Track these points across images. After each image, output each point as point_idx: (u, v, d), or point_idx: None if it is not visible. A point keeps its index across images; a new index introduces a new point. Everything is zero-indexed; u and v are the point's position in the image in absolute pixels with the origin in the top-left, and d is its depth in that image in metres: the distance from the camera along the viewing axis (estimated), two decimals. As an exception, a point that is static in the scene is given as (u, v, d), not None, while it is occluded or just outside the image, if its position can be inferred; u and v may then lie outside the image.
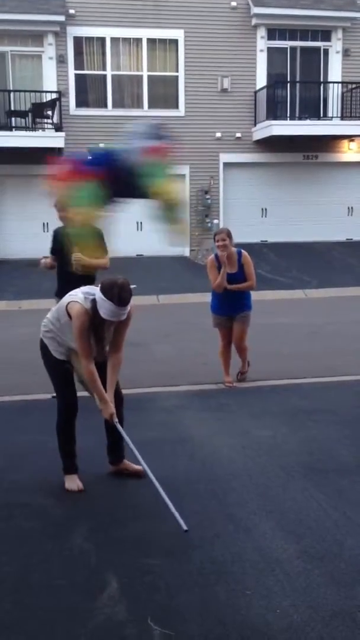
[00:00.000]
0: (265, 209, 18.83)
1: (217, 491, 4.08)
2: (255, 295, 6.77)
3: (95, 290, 3.89)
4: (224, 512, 3.79)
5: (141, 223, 17.65)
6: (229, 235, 6.44)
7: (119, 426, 4.05)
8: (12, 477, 4.35)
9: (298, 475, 4.31)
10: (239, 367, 6.78)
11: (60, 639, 2.67)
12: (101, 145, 3.45)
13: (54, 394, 6.05)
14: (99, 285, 3.85)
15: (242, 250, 6.55)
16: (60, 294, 5.90)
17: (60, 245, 5.83)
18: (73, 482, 4.12)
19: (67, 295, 4.06)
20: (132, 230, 17.02)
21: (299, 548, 3.35)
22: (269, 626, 2.72)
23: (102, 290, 3.77)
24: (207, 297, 6.75)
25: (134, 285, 3.86)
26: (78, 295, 3.93)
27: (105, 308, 3.76)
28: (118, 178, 3.42)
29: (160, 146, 3.53)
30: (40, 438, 4.92)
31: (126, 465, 4.34)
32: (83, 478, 4.18)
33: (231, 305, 6.52)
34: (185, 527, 3.48)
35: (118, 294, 3.72)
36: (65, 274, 5.80)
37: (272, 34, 18.33)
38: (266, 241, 18.35)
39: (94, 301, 3.83)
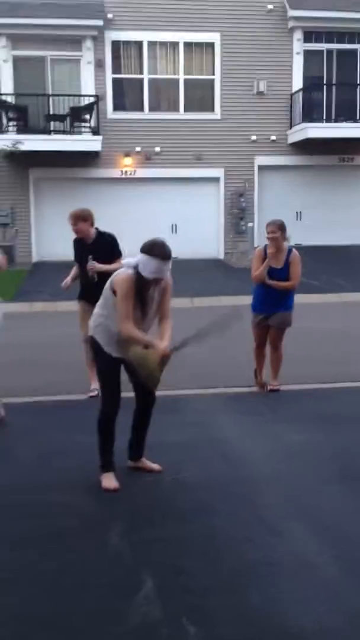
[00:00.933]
0: (300, 212, 18.73)
1: (249, 494, 4.10)
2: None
3: (132, 260, 4.07)
4: (256, 515, 3.81)
5: (176, 226, 17.76)
6: (280, 227, 6.18)
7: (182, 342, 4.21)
8: (47, 476, 4.43)
9: (332, 480, 4.31)
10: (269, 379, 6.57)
11: (97, 637, 2.72)
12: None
13: (91, 393, 6.20)
14: (140, 249, 4.04)
15: (294, 249, 6.33)
16: (82, 297, 6.39)
17: (79, 255, 6.34)
18: (110, 481, 4.19)
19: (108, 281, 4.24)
20: (167, 233, 17.11)
21: (334, 553, 3.35)
22: (303, 631, 2.73)
23: (145, 251, 3.99)
24: (241, 300, 6.74)
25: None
26: (120, 270, 4.15)
27: (150, 266, 3.96)
28: None
29: None
30: (76, 437, 5.00)
31: (144, 463, 4.45)
32: (119, 477, 4.24)
33: (270, 304, 6.31)
34: None
35: (161, 249, 3.99)
36: (82, 280, 6.29)
37: (308, 36, 18.26)
38: (300, 244, 18.22)
39: (135, 269, 4.01)
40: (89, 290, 6.11)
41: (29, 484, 4.32)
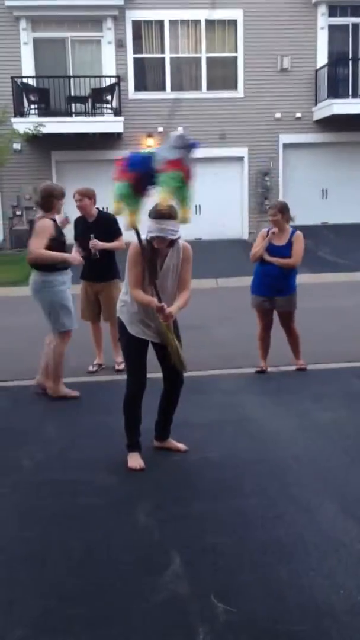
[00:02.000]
0: (326, 190, 18.50)
1: (277, 472, 4.08)
2: (314, 278, 6.67)
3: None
4: (285, 493, 3.79)
5: (200, 207, 17.65)
6: (281, 209, 6.15)
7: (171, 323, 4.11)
8: (76, 455, 4.45)
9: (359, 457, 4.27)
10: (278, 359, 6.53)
11: (125, 613, 2.73)
12: (144, 150, 3.87)
13: (118, 367, 6.25)
14: None
15: (298, 231, 6.25)
16: (82, 276, 6.59)
17: (80, 233, 6.47)
18: (135, 461, 4.19)
19: None
20: (192, 214, 17.03)
21: (362, 530, 3.32)
22: (332, 606, 2.72)
23: (148, 213, 3.97)
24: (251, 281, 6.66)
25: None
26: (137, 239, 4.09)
27: (148, 227, 3.96)
28: (141, 181, 3.84)
29: (179, 160, 3.91)
30: (104, 418, 5.01)
31: (170, 443, 4.45)
32: (146, 457, 4.25)
33: (271, 286, 6.21)
34: None
35: (155, 210, 3.92)
36: (84, 259, 6.29)
37: (333, 10, 17.91)
38: (327, 223, 18.06)
39: (146, 239, 4.00)
40: (93, 268, 6.41)
41: (57, 463, 4.35)
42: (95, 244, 6.31)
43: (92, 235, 6.33)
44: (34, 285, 5.68)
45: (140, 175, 3.83)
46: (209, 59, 18.03)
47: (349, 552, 3.13)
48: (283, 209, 6.18)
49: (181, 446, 4.42)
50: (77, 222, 6.65)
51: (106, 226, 6.42)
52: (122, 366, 6.27)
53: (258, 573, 2.99)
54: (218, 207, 17.79)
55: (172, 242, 4.05)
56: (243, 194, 18.42)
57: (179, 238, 4.07)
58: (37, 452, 4.52)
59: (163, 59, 17.98)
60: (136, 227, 3.94)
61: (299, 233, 6.26)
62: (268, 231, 6.29)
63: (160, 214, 3.92)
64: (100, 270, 6.47)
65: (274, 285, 6.22)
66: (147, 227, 3.98)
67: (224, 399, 5.65)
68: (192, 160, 4.02)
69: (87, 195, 6.42)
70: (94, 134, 16.84)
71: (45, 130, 15.79)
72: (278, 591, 2.84)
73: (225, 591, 2.84)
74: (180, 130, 4.21)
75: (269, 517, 3.51)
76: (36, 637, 2.60)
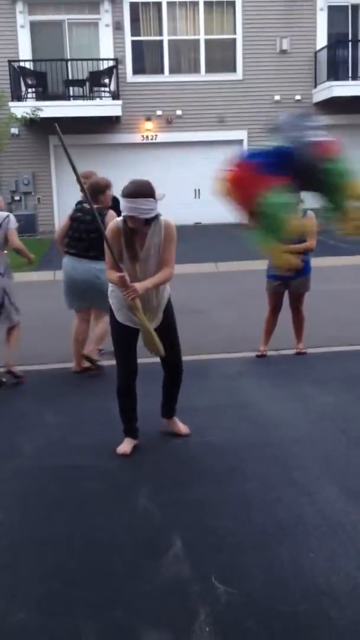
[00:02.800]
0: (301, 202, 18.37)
1: (279, 455, 4.09)
2: (316, 262, 6.62)
3: None
4: (286, 476, 3.81)
5: (199, 190, 17.57)
6: None
7: (137, 303, 3.92)
8: (78, 440, 4.47)
9: (361, 441, 4.28)
10: (293, 342, 6.52)
11: (127, 595, 2.76)
12: (263, 143, 3.56)
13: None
14: None
15: (309, 211, 6.04)
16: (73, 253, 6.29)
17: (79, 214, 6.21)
18: (124, 446, 4.22)
19: None
20: (190, 198, 16.97)
21: (362, 512, 3.34)
22: (332, 587, 2.74)
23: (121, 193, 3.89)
24: (265, 264, 6.64)
25: (163, 194, 3.91)
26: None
27: (122, 206, 3.86)
28: (302, 177, 3.33)
29: (330, 142, 3.42)
30: (105, 403, 5.01)
31: (174, 423, 4.47)
32: (147, 441, 4.27)
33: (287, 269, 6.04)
34: None
35: (127, 188, 3.83)
36: (76, 240, 6.05)
37: (333, -9, 17.74)
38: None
39: (124, 217, 3.93)
40: (78, 243, 6.20)
41: (59, 448, 4.36)
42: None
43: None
44: (95, 272, 5.71)
45: (297, 173, 3.30)
46: (207, 41, 17.89)
47: (349, 534, 3.15)
48: None
49: (183, 429, 4.43)
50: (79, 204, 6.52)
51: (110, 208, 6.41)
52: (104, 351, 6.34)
53: (258, 555, 3.01)
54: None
55: (150, 221, 3.91)
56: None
57: (156, 216, 3.92)
58: (38, 437, 4.54)
59: (161, 42, 17.83)
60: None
61: (310, 213, 6.07)
62: None
63: (132, 192, 3.81)
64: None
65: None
66: (121, 207, 3.89)
67: (225, 382, 5.65)
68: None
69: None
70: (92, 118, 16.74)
71: (43, 114, 15.69)
72: (278, 573, 2.86)
73: (226, 573, 2.86)
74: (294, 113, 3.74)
75: (270, 500, 3.53)
76: (39, 620, 2.63)
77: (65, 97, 17.02)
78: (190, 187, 17.36)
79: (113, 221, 4.06)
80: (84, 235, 5.82)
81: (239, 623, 2.55)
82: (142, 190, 3.83)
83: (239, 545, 3.09)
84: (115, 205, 6.41)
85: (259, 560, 2.97)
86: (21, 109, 15.86)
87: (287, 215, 3.38)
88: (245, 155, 3.49)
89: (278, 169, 3.28)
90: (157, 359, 4.32)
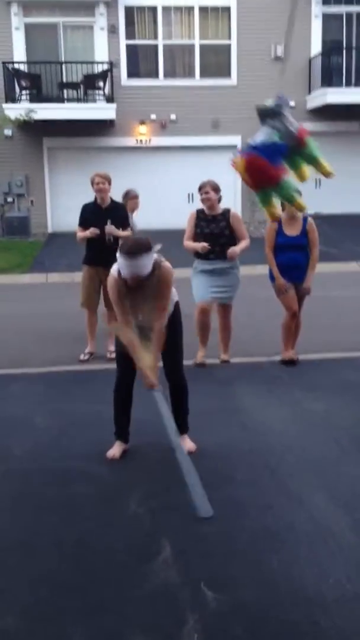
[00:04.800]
0: (320, 180, 18.43)
1: (270, 462, 4.09)
2: (308, 269, 6.62)
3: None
4: (276, 483, 3.80)
5: (192, 195, 17.57)
6: (214, 188, 6.14)
7: (157, 396, 3.96)
8: (69, 445, 4.45)
9: (352, 448, 4.28)
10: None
11: (117, 600, 2.74)
12: (261, 137, 3.93)
13: (110, 356, 6.36)
14: None
15: (310, 217, 6.21)
16: (90, 262, 6.62)
17: (93, 219, 6.50)
18: (113, 449, 4.20)
19: None
20: (184, 203, 16.97)
21: (352, 520, 3.34)
22: (322, 595, 2.73)
23: (118, 249, 3.84)
24: (257, 269, 6.66)
25: (159, 245, 3.90)
26: (114, 267, 3.99)
27: (121, 265, 3.81)
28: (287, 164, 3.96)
29: (303, 129, 4.03)
30: (97, 407, 5.00)
31: (183, 439, 4.30)
32: (137, 446, 4.26)
33: (293, 274, 6.20)
34: (207, 514, 3.24)
35: (127, 246, 3.79)
36: (93, 244, 6.50)
37: (327, -1, 17.81)
38: (320, 212, 18.03)
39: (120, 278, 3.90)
40: (101, 253, 6.38)
41: (49, 452, 4.34)
42: (112, 230, 6.43)
43: (109, 221, 6.45)
44: None
45: (285, 164, 3.89)
46: (202, 46, 17.91)
47: (339, 542, 3.14)
48: (216, 188, 6.17)
49: (189, 446, 4.25)
50: (88, 208, 6.66)
51: (120, 214, 6.61)
52: (114, 355, 6.41)
53: (248, 562, 3.00)
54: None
55: (150, 274, 3.87)
56: (236, 183, 18.28)
57: (154, 269, 3.87)
58: (28, 441, 4.52)
59: (156, 46, 17.84)
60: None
61: (311, 221, 6.24)
62: (279, 222, 6.11)
63: (131, 251, 3.73)
64: (108, 256, 6.46)
65: (295, 274, 6.23)
66: (119, 263, 3.83)
67: (217, 388, 5.65)
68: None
69: (108, 180, 6.53)
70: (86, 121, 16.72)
71: (36, 116, 15.65)
72: (268, 579, 2.86)
73: (215, 579, 2.85)
74: (281, 96, 4.20)
75: (260, 506, 3.52)
76: (27, 626, 2.61)
77: (60, 99, 16.99)
78: (183, 192, 17.35)
79: (112, 278, 3.95)
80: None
81: (227, 630, 2.54)
82: (142, 248, 3.76)
83: (229, 552, 3.09)
84: (114, 209, 6.56)
85: (248, 566, 2.96)
86: (15, 110, 15.82)
87: (295, 197, 4.17)
88: (254, 147, 3.90)
89: (279, 160, 3.84)
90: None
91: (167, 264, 4.00)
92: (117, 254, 3.81)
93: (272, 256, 6.23)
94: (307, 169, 4.07)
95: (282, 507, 3.50)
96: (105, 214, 6.53)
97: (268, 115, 4.02)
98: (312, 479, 3.84)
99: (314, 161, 4.08)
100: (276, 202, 4.28)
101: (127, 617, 2.64)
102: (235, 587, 2.81)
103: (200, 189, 6.23)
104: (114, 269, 3.97)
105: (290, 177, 4.02)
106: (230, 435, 4.54)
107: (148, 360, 3.96)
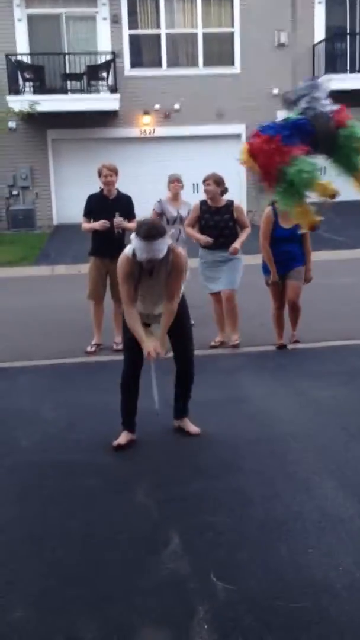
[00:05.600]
0: (324, 167, 18.30)
1: (276, 450, 4.08)
2: (312, 256, 6.61)
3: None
4: (284, 471, 3.79)
5: (197, 185, 17.48)
6: (216, 182, 6.24)
7: (152, 371, 4.07)
8: (74, 436, 4.45)
9: (358, 435, 4.26)
10: (289, 333, 6.61)
11: (125, 592, 2.74)
12: (284, 115, 3.94)
13: (117, 347, 6.41)
14: None
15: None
16: (97, 253, 6.57)
17: (100, 210, 6.47)
18: (120, 438, 4.22)
19: None
20: (189, 193, 16.88)
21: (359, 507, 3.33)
22: (331, 583, 2.72)
23: (135, 232, 3.87)
24: (257, 259, 6.65)
25: (172, 230, 3.98)
26: (128, 248, 4.02)
27: (137, 247, 3.83)
28: (319, 144, 3.76)
29: (344, 111, 3.90)
30: (102, 398, 5.00)
31: (185, 423, 4.42)
32: (144, 436, 4.26)
33: (286, 260, 6.26)
34: (157, 410, 3.96)
35: (144, 229, 3.80)
36: (101, 235, 6.44)
37: (331, -16, 17.64)
38: (326, 200, 17.93)
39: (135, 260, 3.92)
40: (108, 245, 6.36)
41: (56, 443, 4.35)
42: (121, 222, 6.41)
43: (117, 214, 6.43)
44: None
45: (309, 142, 3.73)
46: (205, 35, 17.80)
47: (348, 529, 3.13)
48: (218, 181, 6.25)
49: (192, 429, 4.36)
50: (94, 198, 6.63)
51: (126, 206, 6.57)
52: (121, 346, 6.44)
53: (257, 551, 2.99)
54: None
55: (164, 257, 3.90)
56: (241, 172, 18.15)
57: (167, 254, 3.89)
58: (35, 433, 4.52)
59: (159, 35, 17.74)
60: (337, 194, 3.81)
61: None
62: (273, 210, 6.22)
63: (148, 235, 3.77)
64: (116, 247, 6.47)
65: (285, 264, 6.29)
66: (134, 245, 3.85)
67: (223, 378, 5.64)
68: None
69: (115, 172, 6.51)
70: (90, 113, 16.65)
71: (40, 108, 15.60)
72: (277, 568, 2.85)
73: (224, 569, 2.85)
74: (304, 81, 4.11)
75: (268, 495, 3.51)
76: (36, 618, 2.61)
77: (63, 91, 16.93)
78: (188, 182, 17.15)
79: (124, 257, 3.98)
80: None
81: (237, 620, 2.54)
82: (158, 232, 3.81)
83: (238, 541, 3.08)
84: (121, 200, 6.56)
85: (257, 556, 2.95)
86: (18, 103, 15.77)
87: (314, 179, 3.78)
88: (264, 128, 3.78)
89: (296, 139, 3.65)
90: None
91: (180, 250, 4.08)
92: (133, 237, 3.85)
93: (268, 249, 6.27)
94: None
95: (290, 496, 3.49)
96: (112, 205, 6.51)
97: (293, 102, 3.94)
98: (319, 466, 3.82)
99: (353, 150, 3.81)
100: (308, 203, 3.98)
101: (136, 608, 2.64)
102: (244, 577, 2.80)
103: (204, 181, 6.36)
104: (127, 249, 3.99)
105: (310, 158, 3.70)
106: (237, 424, 4.52)
107: (153, 340, 4.05)
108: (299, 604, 2.61)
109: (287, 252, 6.24)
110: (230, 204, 6.37)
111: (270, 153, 3.68)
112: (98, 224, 6.44)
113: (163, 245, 3.83)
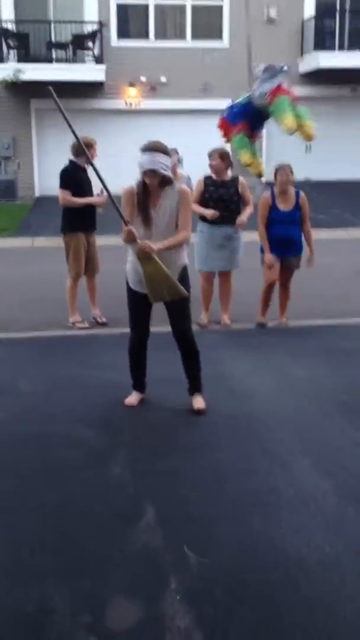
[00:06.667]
0: (309, 145, 18.25)
1: (254, 427, 4.10)
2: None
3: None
4: (260, 447, 3.82)
5: (182, 159, 17.32)
6: (221, 156, 6.11)
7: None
8: (52, 409, 4.44)
9: (335, 414, 4.31)
10: (276, 314, 6.63)
11: (99, 563, 2.75)
12: (238, 99, 4.77)
13: (101, 320, 6.44)
14: None
15: (301, 191, 6.26)
16: (79, 228, 6.41)
17: (81, 183, 6.37)
18: (130, 398, 4.44)
19: None
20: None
21: (333, 485, 3.36)
22: (302, 557, 2.76)
23: (140, 148, 3.97)
24: (248, 236, 6.61)
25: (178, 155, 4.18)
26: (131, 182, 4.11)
27: (140, 162, 3.91)
28: (254, 123, 4.56)
29: (279, 87, 4.47)
30: (80, 372, 4.99)
31: (192, 400, 4.40)
32: (121, 412, 4.29)
33: (284, 245, 6.26)
34: None
35: (147, 143, 3.95)
36: (84, 210, 6.35)
37: None
38: (309, 178, 17.91)
39: (139, 180, 3.99)
40: (91, 218, 6.43)
41: (32, 416, 4.33)
42: (105, 195, 6.25)
43: (101, 188, 6.24)
44: None
45: (249, 122, 4.39)
46: (194, 7, 17.54)
47: (320, 506, 3.17)
48: (223, 155, 6.14)
49: (195, 404, 4.35)
50: (76, 171, 6.44)
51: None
52: (103, 319, 6.60)
53: (230, 525, 3.02)
54: (201, 160, 17.43)
55: (165, 182, 3.97)
56: (227, 147, 18.18)
57: (171, 181, 4.00)
58: (12, 406, 4.50)
59: (147, 6, 17.44)
60: (262, 174, 4.31)
61: (303, 194, 6.28)
62: (272, 194, 6.21)
63: (153, 147, 3.90)
64: (94, 220, 6.54)
65: (286, 248, 6.29)
66: (139, 161, 3.92)
67: (203, 354, 5.59)
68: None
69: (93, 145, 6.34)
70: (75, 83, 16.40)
71: (24, 77, 15.33)
72: (250, 542, 2.88)
73: (197, 542, 2.87)
74: (260, 65, 4.74)
75: (243, 471, 3.54)
76: (7, 588, 2.62)
77: (48, 60, 16.64)
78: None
79: (126, 186, 4.07)
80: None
81: (209, 591, 2.57)
82: (161, 147, 3.94)
83: (211, 515, 3.10)
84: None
85: (231, 530, 2.98)
86: (2, 71, 15.49)
87: (241, 151, 4.60)
88: (226, 109, 4.62)
89: (240, 119, 4.53)
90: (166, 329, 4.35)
91: (186, 187, 4.13)
92: (139, 154, 3.94)
93: (264, 231, 6.25)
94: (309, 128, 4.52)
95: (265, 472, 3.52)
96: (88, 178, 6.43)
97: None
98: (295, 444, 3.85)
99: (278, 118, 4.54)
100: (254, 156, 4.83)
101: (108, 580, 2.65)
102: (217, 550, 2.83)
103: (209, 156, 6.25)
104: (131, 183, 4.07)
105: (244, 135, 4.55)
106: (216, 400, 4.53)
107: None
108: (270, 577, 2.65)
109: (285, 234, 6.22)
110: (235, 178, 6.25)
111: (223, 129, 4.59)
112: (97, 200, 6.30)
113: (163, 160, 3.89)
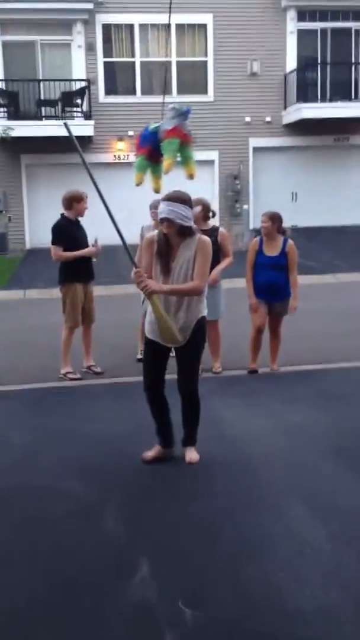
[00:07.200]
0: (296, 193, 18.62)
1: (247, 472, 4.07)
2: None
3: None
4: (254, 493, 3.78)
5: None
6: (271, 218, 6.28)
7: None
8: (42, 461, 4.39)
9: (329, 458, 4.28)
10: (267, 361, 6.62)
11: (93, 618, 2.69)
12: (152, 125, 5.11)
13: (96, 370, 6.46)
14: None
15: (289, 240, 6.34)
16: (76, 279, 6.46)
17: (75, 236, 6.50)
18: (147, 452, 4.29)
19: None
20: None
21: (329, 530, 3.33)
22: (299, 607, 2.71)
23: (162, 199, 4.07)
24: (233, 283, 6.69)
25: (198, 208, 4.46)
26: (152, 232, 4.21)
27: (160, 210, 3.96)
28: (153, 152, 4.83)
29: (175, 128, 4.76)
30: (71, 424, 4.96)
31: (185, 450, 4.34)
32: (113, 462, 4.26)
33: (272, 291, 6.31)
34: None
35: (169, 193, 4.02)
36: (81, 260, 6.45)
37: (302, 15, 18.07)
38: (296, 226, 18.18)
39: (160, 230, 4.05)
40: (88, 269, 6.53)
41: (24, 468, 4.29)
42: (99, 246, 6.50)
43: (95, 238, 6.50)
44: None
45: (152, 148, 4.80)
46: (179, 63, 18.06)
47: (316, 553, 3.13)
48: (273, 218, 6.29)
49: (188, 457, 4.28)
50: (67, 226, 6.51)
51: (83, 230, 6.67)
52: (98, 369, 6.62)
53: (226, 575, 2.97)
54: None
55: (185, 232, 3.96)
56: (214, 197, 18.44)
57: (193, 232, 4.00)
58: (3, 457, 4.46)
59: (133, 63, 17.96)
60: (159, 191, 4.62)
61: (291, 243, 6.37)
62: (260, 240, 6.34)
63: (173, 197, 3.94)
64: (92, 270, 6.65)
65: (276, 293, 6.34)
66: (159, 210, 3.96)
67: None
68: (187, 126, 4.90)
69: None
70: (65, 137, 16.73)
71: (14, 133, 15.65)
72: (246, 592, 2.83)
73: (193, 594, 2.82)
74: (169, 105, 5.06)
75: (239, 518, 3.50)
76: (0, 646, 2.56)
77: (38, 117, 17.01)
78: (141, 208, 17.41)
79: (149, 236, 4.12)
80: None
81: (204, 645, 2.51)
82: (181, 197, 3.97)
83: (207, 566, 3.05)
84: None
85: (226, 580, 2.93)
86: (-8, 128, 15.81)
87: (137, 172, 5.04)
88: (143, 132, 5.05)
89: (146, 143, 4.94)
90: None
91: (206, 237, 4.09)
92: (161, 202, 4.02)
93: (250, 275, 6.34)
94: (191, 168, 4.95)
95: (260, 518, 3.48)
96: (82, 230, 6.58)
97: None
98: (289, 490, 3.82)
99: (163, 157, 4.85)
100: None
101: (103, 634, 2.59)
102: (213, 602, 2.77)
103: None
104: (152, 232, 4.18)
105: (144, 158, 4.96)
106: (209, 446, 4.50)
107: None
108: (267, 628, 2.59)
109: (270, 279, 6.27)
110: (215, 229, 6.32)
111: (136, 146, 5.05)
112: (90, 251, 6.43)
113: (182, 210, 3.90)
